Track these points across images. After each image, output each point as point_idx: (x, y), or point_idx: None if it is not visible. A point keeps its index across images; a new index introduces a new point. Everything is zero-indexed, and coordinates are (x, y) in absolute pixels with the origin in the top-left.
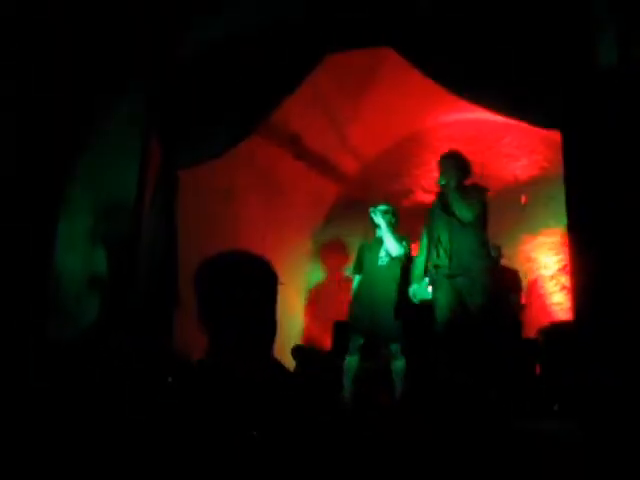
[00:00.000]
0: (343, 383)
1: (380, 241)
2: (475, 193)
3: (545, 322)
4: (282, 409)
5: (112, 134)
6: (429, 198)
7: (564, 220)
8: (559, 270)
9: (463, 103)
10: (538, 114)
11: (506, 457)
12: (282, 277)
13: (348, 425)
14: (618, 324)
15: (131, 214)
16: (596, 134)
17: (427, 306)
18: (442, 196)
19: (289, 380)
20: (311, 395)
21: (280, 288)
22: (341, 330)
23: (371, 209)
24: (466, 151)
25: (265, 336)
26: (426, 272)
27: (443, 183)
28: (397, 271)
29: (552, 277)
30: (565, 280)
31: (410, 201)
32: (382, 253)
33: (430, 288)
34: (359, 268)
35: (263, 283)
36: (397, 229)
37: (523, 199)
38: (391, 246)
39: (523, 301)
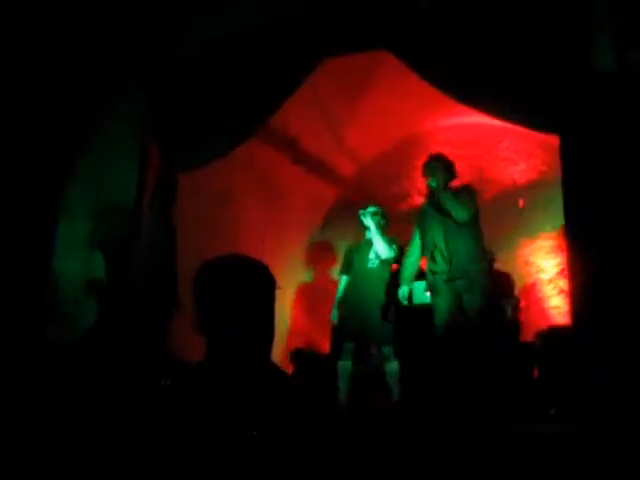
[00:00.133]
0: (338, 386)
1: (370, 243)
2: (467, 193)
3: (543, 326)
4: (280, 411)
5: (111, 135)
6: None
7: (562, 224)
8: (557, 274)
9: (461, 107)
10: (536, 118)
11: (504, 460)
12: (280, 280)
13: (346, 426)
14: (616, 327)
15: (130, 216)
16: (594, 137)
17: (424, 309)
18: (432, 198)
19: (287, 383)
20: (309, 397)
21: (279, 291)
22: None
23: (360, 211)
24: (464, 155)
25: (263, 340)
26: (421, 275)
27: (435, 185)
28: (387, 273)
29: (550, 281)
30: (563, 284)
31: (408, 204)
32: (372, 255)
33: (428, 293)
34: (347, 269)
35: (261, 287)
36: (387, 231)
37: (521, 203)
38: (380, 248)
39: (520, 304)
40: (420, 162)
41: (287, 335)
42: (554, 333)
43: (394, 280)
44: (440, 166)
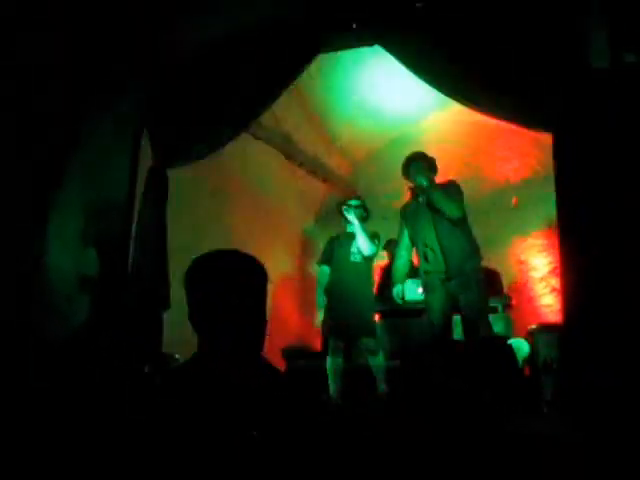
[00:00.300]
0: (329, 384)
1: (351, 236)
2: (455, 190)
3: (534, 324)
4: (276, 410)
5: (104, 132)
6: None
7: (555, 222)
8: (549, 272)
9: (455, 104)
10: (529, 116)
11: (497, 458)
12: (272, 277)
13: (343, 426)
14: (608, 325)
15: (122, 213)
16: (588, 136)
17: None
18: (418, 197)
19: (279, 380)
20: (302, 397)
21: (270, 288)
22: None
23: (344, 207)
24: (457, 153)
25: (256, 336)
26: (413, 274)
27: (426, 184)
28: (370, 268)
29: (542, 279)
30: (555, 282)
31: (400, 202)
32: (354, 249)
33: (420, 290)
34: (328, 260)
35: (254, 281)
36: (367, 222)
37: (514, 201)
38: (363, 245)
39: (511, 302)
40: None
41: (278, 331)
42: (546, 331)
43: (384, 276)
44: (425, 165)
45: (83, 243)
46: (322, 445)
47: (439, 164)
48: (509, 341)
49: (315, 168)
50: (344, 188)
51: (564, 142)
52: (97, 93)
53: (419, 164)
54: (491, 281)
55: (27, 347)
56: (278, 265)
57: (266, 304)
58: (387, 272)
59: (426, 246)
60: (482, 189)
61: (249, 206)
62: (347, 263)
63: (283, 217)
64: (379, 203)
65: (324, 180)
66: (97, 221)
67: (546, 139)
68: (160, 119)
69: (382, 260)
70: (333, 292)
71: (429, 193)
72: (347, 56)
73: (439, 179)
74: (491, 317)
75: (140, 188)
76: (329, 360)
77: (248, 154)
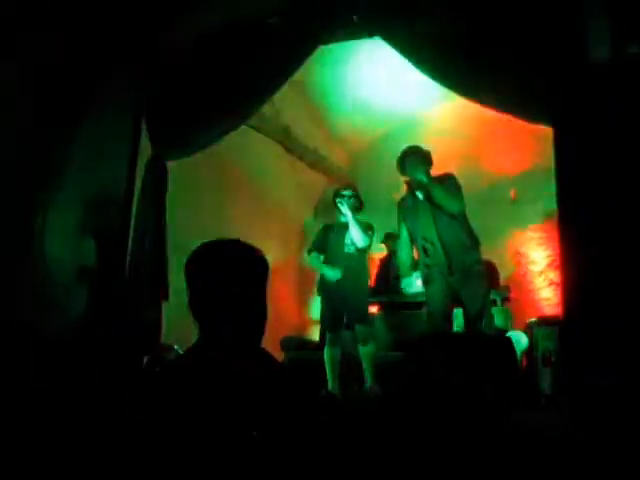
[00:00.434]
0: (327, 376)
1: (345, 226)
2: (453, 183)
3: (533, 317)
4: (273, 401)
5: (103, 123)
6: None
7: (553, 215)
8: (548, 265)
9: (453, 97)
10: (529, 109)
11: (495, 452)
12: (271, 269)
13: (342, 423)
14: (608, 319)
15: (121, 205)
16: (588, 129)
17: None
18: (415, 192)
19: (278, 371)
20: (302, 389)
21: (270, 280)
22: None
23: (338, 199)
24: (456, 145)
25: (256, 325)
26: (413, 267)
27: (425, 179)
28: (364, 259)
29: (541, 272)
30: (553, 276)
31: (399, 194)
32: (348, 240)
33: (419, 282)
34: (318, 249)
35: (254, 271)
36: (361, 213)
37: (513, 194)
38: (356, 236)
39: (509, 295)
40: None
41: (276, 323)
42: (544, 324)
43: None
44: (420, 159)
45: (82, 235)
46: (321, 441)
47: (438, 156)
48: (508, 334)
49: (315, 161)
50: (343, 181)
51: (565, 135)
52: (96, 86)
53: (415, 158)
54: (487, 273)
55: (25, 340)
56: (277, 257)
57: (266, 294)
58: (385, 264)
59: (426, 241)
60: (481, 182)
61: (248, 198)
62: (341, 254)
63: (282, 209)
64: (378, 195)
65: (324, 173)
66: (96, 213)
67: (545, 132)
68: (159, 110)
69: (380, 253)
70: (328, 283)
71: (428, 189)
72: (347, 48)
73: (437, 171)
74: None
75: (139, 180)
76: (326, 351)
77: (247, 147)
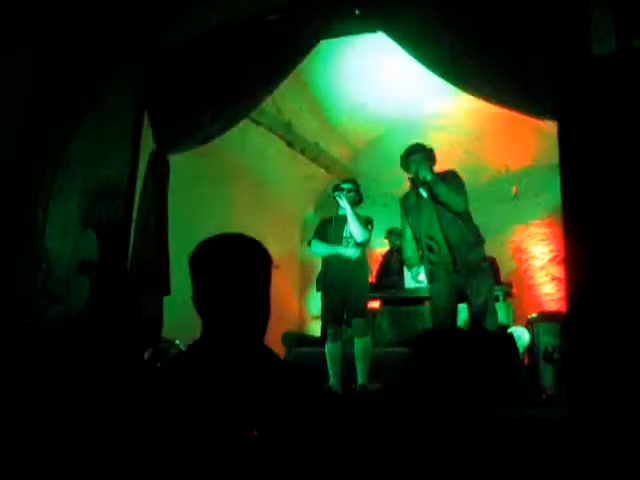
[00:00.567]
0: (329, 372)
1: (344, 219)
2: (456, 180)
3: (534, 312)
4: (275, 398)
5: (105, 117)
6: None
7: (555, 211)
8: (549, 261)
9: (456, 91)
10: (533, 104)
11: (494, 446)
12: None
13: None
14: (612, 315)
15: (123, 199)
16: (593, 123)
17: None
18: (418, 189)
19: (280, 367)
20: (304, 386)
21: (273, 271)
22: None
23: (337, 193)
24: (458, 140)
25: (259, 320)
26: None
27: (429, 177)
28: (363, 253)
29: (542, 268)
30: (555, 271)
31: (401, 189)
32: (346, 234)
33: (421, 277)
34: (323, 239)
35: (258, 266)
36: (361, 206)
37: (515, 189)
38: (355, 230)
39: (511, 290)
40: None
41: (277, 318)
42: (546, 320)
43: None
44: (425, 157)
45: (84, 228)
46: (322, 438)
47: (439, 151)
48: (510, 330)
49: (316, 155)
50: (345, 175)
51: (569, 129)
52: (96, 84)
53: (419, 156)
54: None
55: (27, 333)
56: (277, 252)
57: (270, 287)
58: (387, 260)
59: (431, 239)
60: (482, 177)
61: (250, 193)
62: (341, 247)
63: (283, 204)
64: (380, 190)
65: (325, 167)
66: (98, 206)
67: (547, 127)
68: (161, 105)
69: (382, 248)
70: (326, 278)
71: (432, 187)
72: (348, 42)
73: (439, 167)
74: None
75: (141, 174)
76: (327, 347)
77: (249, 141)
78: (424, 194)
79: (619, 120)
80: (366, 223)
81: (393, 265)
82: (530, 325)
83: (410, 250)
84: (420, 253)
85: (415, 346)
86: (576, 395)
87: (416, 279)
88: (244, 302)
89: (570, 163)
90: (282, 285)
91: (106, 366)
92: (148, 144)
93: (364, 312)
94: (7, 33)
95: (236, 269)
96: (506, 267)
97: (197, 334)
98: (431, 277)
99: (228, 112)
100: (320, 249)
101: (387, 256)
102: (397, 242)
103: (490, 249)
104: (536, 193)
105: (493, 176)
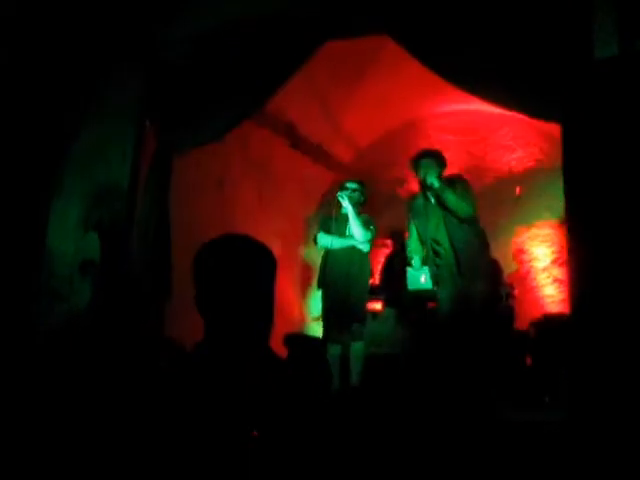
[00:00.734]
0: (331, 371)
1: (347, 218)
2: (464, 186)
3: (536, 314)
4: (278, 400)
5: (108, 117)
6: None
7: (558, 212)
8: (552, 262)
9: (460, 93)
10: (537, 106)
11: (496, 448)
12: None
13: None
14: (615, 318)
15: (125, 199)
16: (596, 126)
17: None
18: (426, 193)
19: (284, 370)
20: (307, 387)
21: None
22: None
23: (339, 192)
24: (461, 142)
25: (263, 322)
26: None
27: (436, 183)
28: (366, 253)
29: (544, 269)
30: (557, 273)
31: (405, 190)
32: (349, 232)
33: (423, 279)
34: (328, 233)
35: (263, 268)
36: (365, 207)
37: (517, 191)
38: (356, 231)
39: (514, 292)
40: (417, 148)
41: (279, 319)
42: (548, 322)
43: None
44: (434, 162)
45: (86, 230)
46: (322, 439)
47: (442, 153)
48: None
49: (319, 156)
50: (348, 176)
51: (573, 131)
52: (97, 84)
53: (429, 161)
54: (495, 272)
55: (26, 332)
56: (280, 252)
57: (274, 289)
58: (390, 261)
59: (437, 243)
60: (485, 178)
61: (252, 194)
62: (341, 248)
63: (286, 205)
64: (383, 190)
65: (328, 168)
66: (100, 208)
67: (550, 129)
68: (163, 105)
69: (385, 249)
70: (327, 278)
71: (440, 194)
72: (353, 43)
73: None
74: None
75: (143, 175)
76: (330, 347)
77: (252, 142)
78: (432, 200)
79: (622, 122)
80: (367, 223)
81: (396, 266)
82: (532, 327)
83: (413, 243)
84: (425, 253)
85: (413, 349)
86: (578, 397)
87: (417, 267)
88: (247, 304)
89: (573, 165)
90: (284, 286)
91: (108, 366)
92: (150, 144)
93: (363, 317)
94: (7, 33)
95: (240, 271)
96: (508, 268)
97: (199, 336)
98: (436, 281)
99: (231, 112)
100: (327, 241)
101: (391, 258)
102: (400, 243)
103: (492, 250)
104: (539, 195)
105: (496, 177)
